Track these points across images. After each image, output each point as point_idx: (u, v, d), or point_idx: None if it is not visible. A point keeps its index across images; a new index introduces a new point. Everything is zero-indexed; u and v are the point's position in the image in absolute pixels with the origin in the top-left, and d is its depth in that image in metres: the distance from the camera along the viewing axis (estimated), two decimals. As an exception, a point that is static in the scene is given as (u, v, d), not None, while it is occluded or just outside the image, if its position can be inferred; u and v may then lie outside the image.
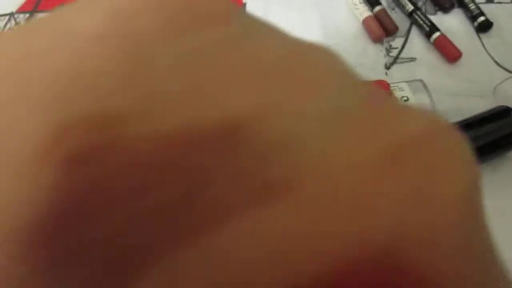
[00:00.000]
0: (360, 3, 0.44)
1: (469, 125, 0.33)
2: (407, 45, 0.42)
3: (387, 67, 0.41)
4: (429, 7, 0.44)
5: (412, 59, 0.41)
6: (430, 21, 0.42)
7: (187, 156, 0.07)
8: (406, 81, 0.38)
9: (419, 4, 0.44)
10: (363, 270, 0.07)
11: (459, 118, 0.34)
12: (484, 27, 0.41)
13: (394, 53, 0.42)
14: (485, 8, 0.42)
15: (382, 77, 0.40)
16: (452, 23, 0.43)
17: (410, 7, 0.43)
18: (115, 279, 0.07)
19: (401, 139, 0.08)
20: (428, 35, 0.41)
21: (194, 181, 0.07)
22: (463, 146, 0.08)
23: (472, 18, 0.42)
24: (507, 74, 0.39)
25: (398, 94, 0.37)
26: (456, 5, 0.44)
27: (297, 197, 0.07)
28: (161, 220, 0.07)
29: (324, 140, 0.07)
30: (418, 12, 0.43)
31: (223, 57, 0.08)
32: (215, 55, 0.08)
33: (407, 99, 0.37)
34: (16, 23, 0.48)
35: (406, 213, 0.07)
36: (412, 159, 0.08)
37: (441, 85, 0.39)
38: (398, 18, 0.44)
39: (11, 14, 0.49)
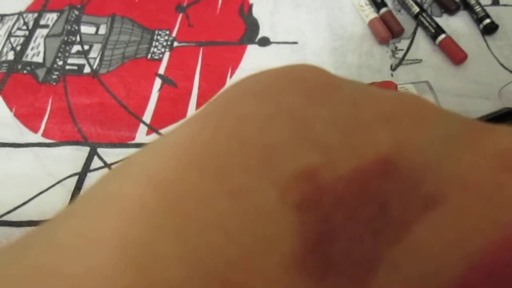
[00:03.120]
0: (366, 4, 0.45)
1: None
2: (412, 47, 0.42)
3: (393, 69, 0.41)
4: (435, 9, 0.45)
5: (418, 61, 0.41)
6: (436, 23, 0.42)
7: (368, 183, 0.09)
8: (412, 83, 0.38)
9: (425, 6, 0.45)
10: None
11: (465, 119, 0.34)
12: (490, 29, 0.42)
13: (400, 54, 0.42)
14: (491, 10, 0.43)
15: (388, 78, 0.40)
16: (457, 25, 0.43)
17: (416, 9, 0.43)
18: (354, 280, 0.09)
19: (501, 150, 0.10)
20: (433, 37, 0.42)
21: (379, 198, 0.09)
22: None
23: (478, 20, 0.42)
24: (512, 76, 0.39)
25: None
26: (461, 7, 0.44)
27: (452, 200, 0.10)
28: (371, 228, 0.09)
29: (448, 156, 0.10)
30: (424, 14, 0.43)
31: (354, 114, 0.11)
32: (348, 114, 0.11)
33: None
34: (25, 23, 0.48)
35: None
36: None
37: (447, 86, 0.39)
38: (404, 20, 0.44)
39: (19, 14, 0.49)
